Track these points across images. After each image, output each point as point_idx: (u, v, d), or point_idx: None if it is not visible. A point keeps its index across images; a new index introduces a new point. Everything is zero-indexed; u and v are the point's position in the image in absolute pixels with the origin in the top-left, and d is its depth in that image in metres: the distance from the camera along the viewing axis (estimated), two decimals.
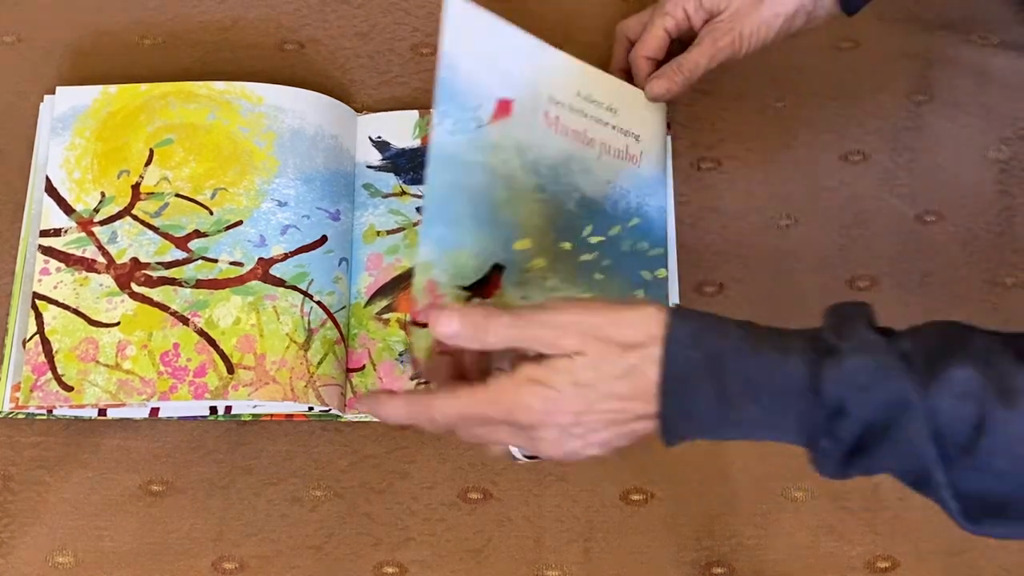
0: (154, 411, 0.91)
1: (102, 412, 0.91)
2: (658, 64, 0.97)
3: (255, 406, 0.91)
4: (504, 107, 0.85)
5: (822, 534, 0.90)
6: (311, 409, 0.91)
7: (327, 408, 0.90)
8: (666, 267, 0.95)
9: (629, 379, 0.67)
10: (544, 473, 0.91)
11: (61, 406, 0.89)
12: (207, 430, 0.93)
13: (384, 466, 0.92)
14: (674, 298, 0.96)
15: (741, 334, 0.67)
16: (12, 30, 1.05)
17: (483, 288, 0.83)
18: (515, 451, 0.74)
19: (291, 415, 0.92)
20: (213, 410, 0.91)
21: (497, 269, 0.84)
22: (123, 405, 0.89)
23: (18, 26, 1.06)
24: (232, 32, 1.06)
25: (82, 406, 0.89)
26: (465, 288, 0.82)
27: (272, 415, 0.92)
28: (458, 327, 0.70)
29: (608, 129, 0.93)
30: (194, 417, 0.92)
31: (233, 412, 0.91)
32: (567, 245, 0.89)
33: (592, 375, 0.67)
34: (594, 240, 0.91)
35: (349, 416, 0.92)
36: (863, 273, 0.99)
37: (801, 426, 0.65)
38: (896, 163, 1.02)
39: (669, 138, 1.01)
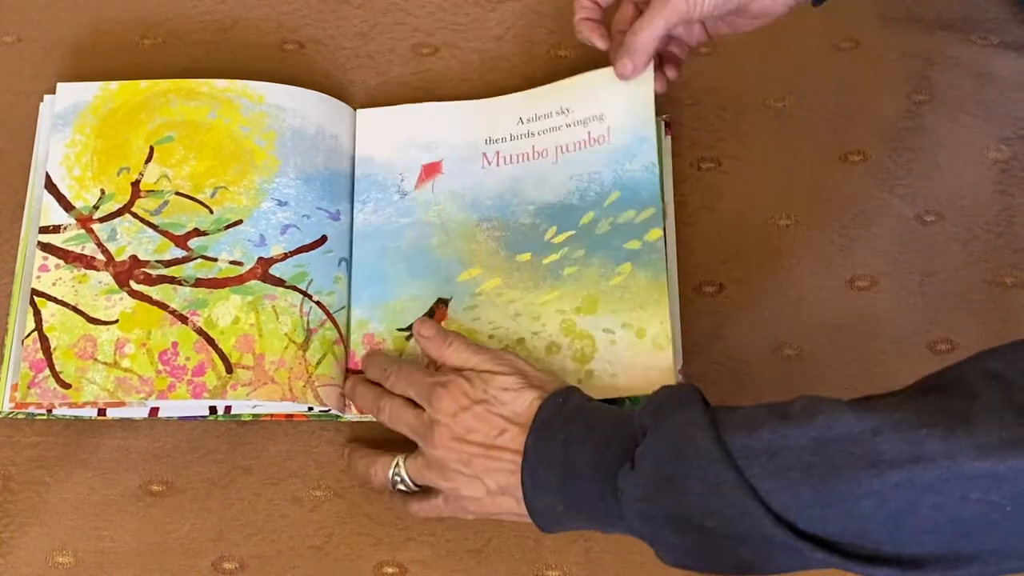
0: (154, 411, 0.91)
1: (102, 412, 0.91)
2: None
3: (254, 406, 0.91)
4: (431, 169, 0.99)
5: None
6: (311, 409, 0.91)
7: (327, 408, 0.90)
8: (662, 225, 0.93)
9: (521, 410, 0.81)
10: None
11: (59, 404, 0.89)
12: (207, 430, 0.93)
13: None
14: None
15: (607, 405, 0.81)
16: (12, 30, 1.06)
17: None
18: (401, 472, 0.86)
19: (291, 415, 0.92)
20: (213, 410, 0.91)
21: (441, 303, 0.94)
22: (121, 404, 0.89)
23: (18, 26, 1.06)
24: (232, 32, 1.06)
25: (80, 404, 0.89)
26: (402, 329, 0.94)
27: (272, 415, 0.92)
28: (433, 333, 0.88)
29: (563, 130, 0.98)
30: (194, 417, 0.92)
31: (233, 412, 0.91)
32: (525, 257, 0.95)
33: (501, 392, 0.82)
34: (559, 239, 0.95)
35: (349, 416, 0.92)
36: (863, 273, 0.99)
37: (622, 456, 0.75)
38: (896, 163, 1.02)
39: (665, 132, 1.01)
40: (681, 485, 0.72)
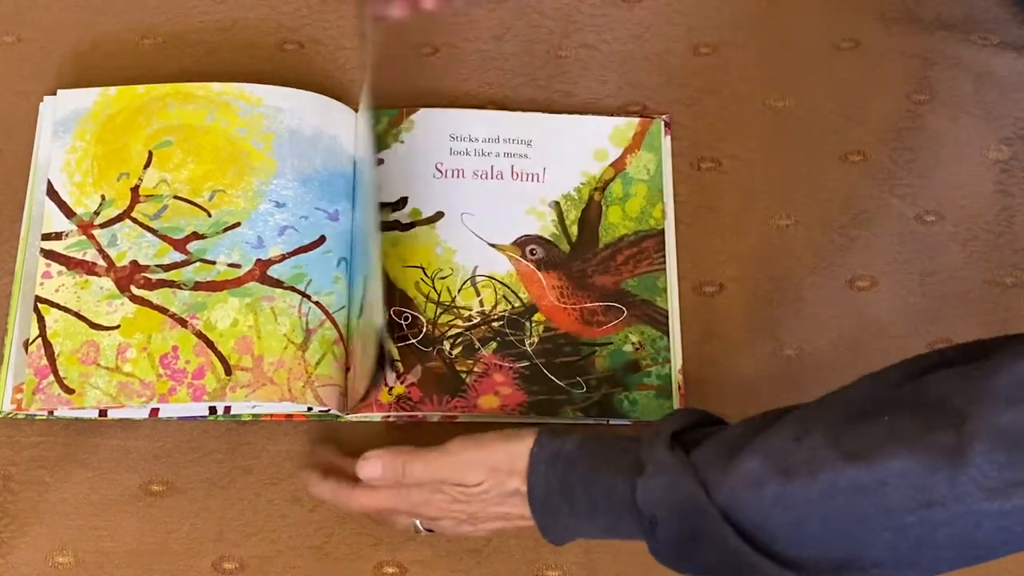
0: (154, 411, 0.91)
1: (102, 412, 0.91)
2: None
3: (254, 407, 0.91)
4: None
5: None
6: (310, 409, 0.91)
7: (326, 408, 0.90)
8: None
9: (512, 499, 0.80)
10: None
11: (62, 409, 0.89)
12: (207, 430, 0.93)
13: None
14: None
15: (583, 459, 0.78)
16: (12, 30, 1.05)
17: None
18: (422, 532, 0.85)
19: (291, 415, 0.92)
20: (213, 410, 0.91)
21: None
22: (123, 407, 0.89)
23: (18, 26, 1.05)
24: (232, 32, 1.06)
25: (83, 408, 0.89)
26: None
27: (272, 415, 0.92)
28: (380, 473, 0.83)
29: None
30: (194, 417, 0.92)
31: (233, 412, 0.91)
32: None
33: (485, 496, 0.81)
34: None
35: (349, 416, 0.92)
36: (863, 273, 0.99)
37: (638, 531, 0.77)
38: (896, 163, 1.02)
39: (668, 139, 1.01)
40: (705, 560, 0.75)
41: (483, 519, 0.82)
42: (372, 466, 0.83)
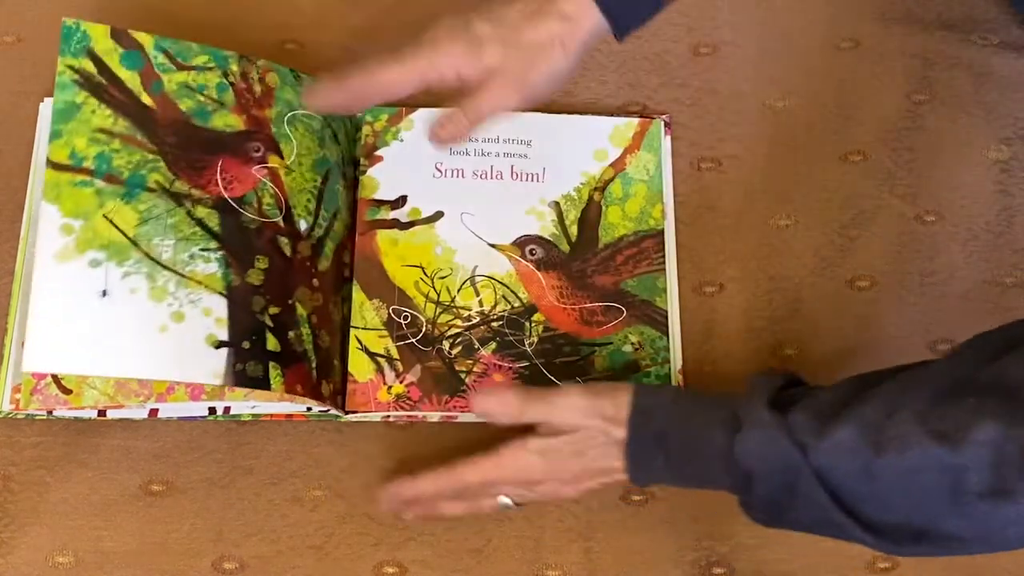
0: (153, 411, 0.91)
1: (102, 412, 0.91)
2: None
3: (254, 406, 0.91)
4: None
5: None
6: (310, 409, 0.91)
7: (326, 408, 0.90)
8: None
9: (616, 447, 0.83)
10: None
11: (60, 409, 0.89)
12: (207, 430, 0.93)
13: (384, 466, 0.92)
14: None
15: (680, 411, 0.82)
16: (12, 30, 1.05)
17: None
18: (507, 501, 0.86)
19: (291, 415, 0.92)
20: (212, 410, 0.91)
21: None
22: (121, 407, 0.89)
23: (18, 26, 1.05)
24: (232, 31, 1.05)
25: (81, 408, 0.89)
26: None
27: (272, 415, 0.92)
28: (496, 408, 0.85)
29: None
30: (194, 417, 0.92)
31: (232, 412, 0.91)
32: None
33: (589, 444, 0.83)
34: None
35: (349, 416, 0.92)
36: (863, 273, 0.99)
37: (730, 484, 0.81)
38: (896, 163, 1.02)
39: (668, 139, 1.01)
40: (793, 516, 0.79)
41: (587, 476, 0.84)
42: (492, 401, 0.85)
